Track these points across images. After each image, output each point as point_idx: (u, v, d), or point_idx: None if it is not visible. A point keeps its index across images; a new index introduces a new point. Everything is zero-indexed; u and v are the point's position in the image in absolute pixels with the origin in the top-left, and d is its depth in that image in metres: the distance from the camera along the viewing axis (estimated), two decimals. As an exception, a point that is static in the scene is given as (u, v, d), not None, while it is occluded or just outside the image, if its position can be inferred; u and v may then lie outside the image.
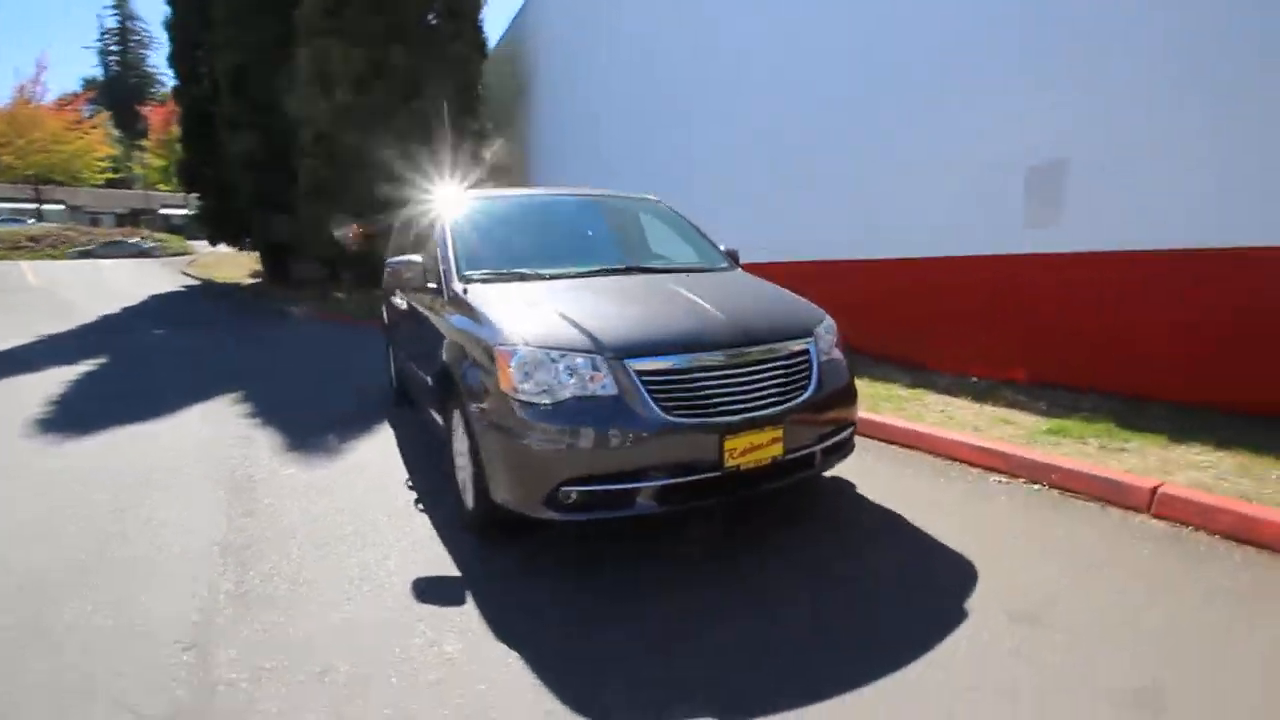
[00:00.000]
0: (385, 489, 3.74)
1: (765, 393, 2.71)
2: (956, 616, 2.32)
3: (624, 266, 3.61)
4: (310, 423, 5.16)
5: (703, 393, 2.61)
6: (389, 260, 3.57)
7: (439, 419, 3.56)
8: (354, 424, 5.12)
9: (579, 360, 2.56)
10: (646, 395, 2.54)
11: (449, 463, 3.36)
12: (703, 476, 2.57)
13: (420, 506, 3.46)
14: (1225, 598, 2.38)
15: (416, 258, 3.57)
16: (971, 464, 3.76)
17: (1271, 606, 2.33)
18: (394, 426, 5.04)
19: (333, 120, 13.19)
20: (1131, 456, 3.54)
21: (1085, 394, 4.70)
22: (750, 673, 2.07)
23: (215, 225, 21.22)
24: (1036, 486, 3.43)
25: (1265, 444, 3.51)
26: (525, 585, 2.65)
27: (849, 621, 2.33)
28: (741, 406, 2.64)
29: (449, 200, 3.94)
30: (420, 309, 3.81)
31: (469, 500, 3.06)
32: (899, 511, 3.19)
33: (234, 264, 25.32)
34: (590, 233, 4.08)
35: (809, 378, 2.85)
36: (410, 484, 3.80)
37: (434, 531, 3.15)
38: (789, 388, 2.78)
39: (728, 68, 8.17)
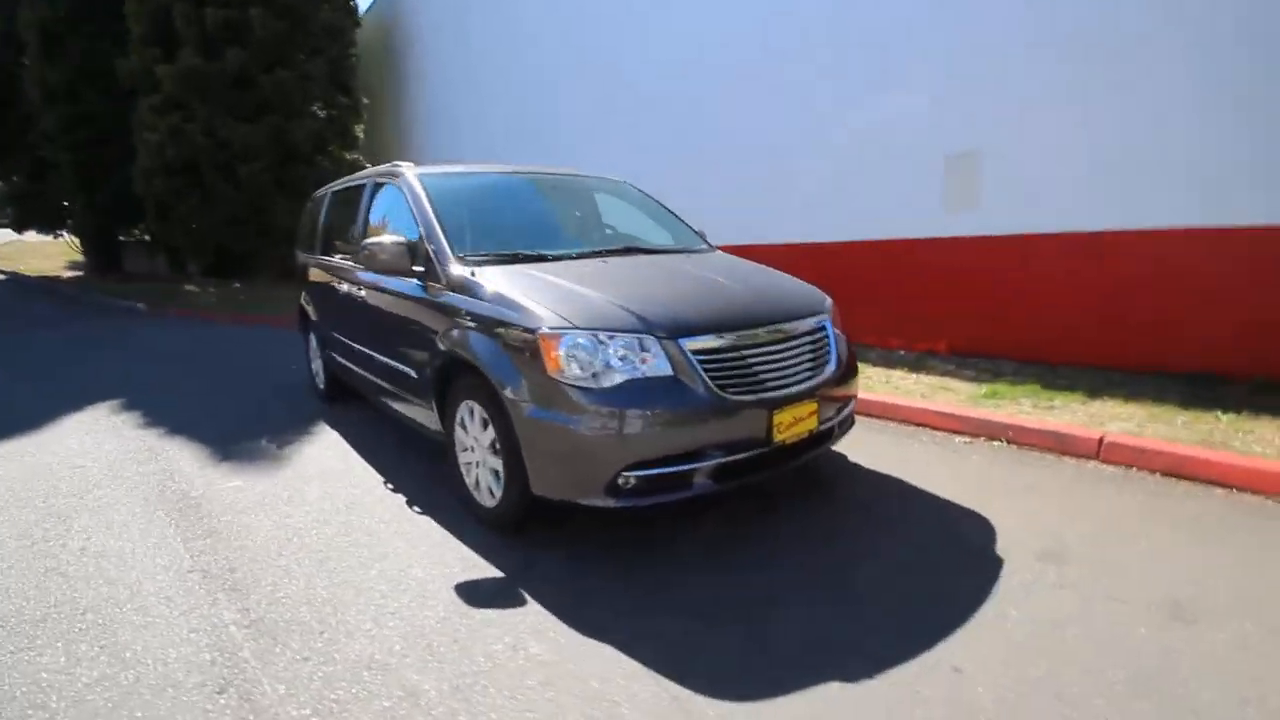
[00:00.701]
0: (363, 494, 3.40)
1: (801, 368, 2.79)
2: (995, 563, 2.55)
3: (623, 248, 3.53)
4: (229, 430, 4.57)
5: (751, 369, 2.63)
6: (367, 242, 3.16)
7: (427, 414, 3.30)
8: (284, 428, 4.60)
9: (631, 341, 2.48)
10: (702, 374, 2.53)
11: (450, 459, 3.14)
12: (754, 453, 2.61)
13: (416, 509, 3.20)
14: (1191, 523, 2.82)
15: (398, 237, 3.24)
16: (935, 428, 4.12)
17: (1223, 525, 2.79)
18: (334, 426, 4.59)
19: (180, 87, 11.57)
20: (1063, 413, 4.05)
21: (1001, 361, 5.31)
22: (849, 626, 2.14)
23: (26, 209, 17.91)
24: (997, 443, 3.84)
25: (1159, 395, 4.17)
26: (574, 575, 2.54)
27: (910, 578, 2.47)
28: (784, 381, 2.70)
29: (408, 178, 3.61)
30: (393, 295, 3.49)
31: (488, 496, 2.88)
32: (896, 475, 3.42)
33: (39, 253, 21.54)
34: (578, 213, 3.94)
35: (829, 353, 2.98)
36: (391, 486, 3.49)
37: (446, 533, 2.92)
38: (817, 363, 2.88)
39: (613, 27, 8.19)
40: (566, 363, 2.47)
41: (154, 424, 4.75)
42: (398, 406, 3.73)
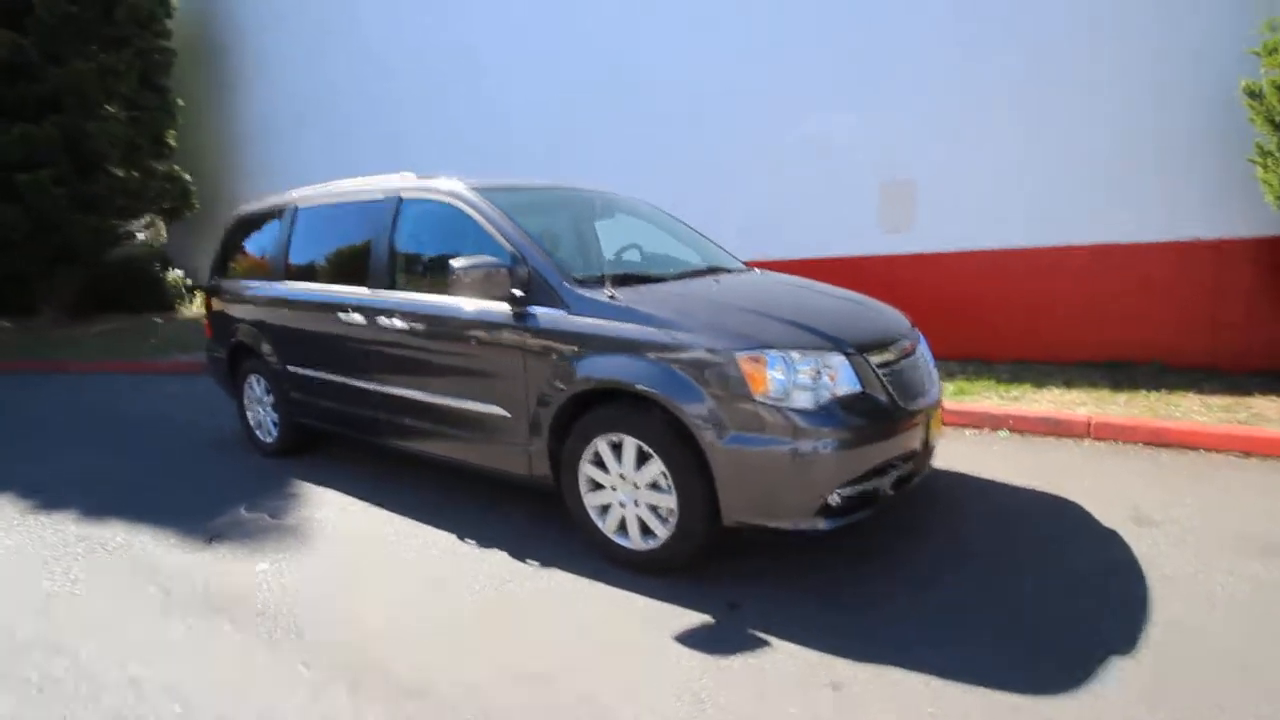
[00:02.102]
0: (444, 559, 2.95)
1: (927, 377, 2.97)
2: (1106, 533, 2.93)
3: (708, 267, 3.48)
4: (190, 503, 3.74)
5: (908, 380, 2.75)
6: (460, 265, 2.65)
7: (519, 456, 2.98)
8: (254, 491, 3.85)
9: (826, 359, 2.47)
10: (887, 386, 2.59)
11: (572, 503, 2.84)
12: (913, 461, 2.73)
13: (533, 563, 2.84)
14: (1210, 478, 3.46)
15: (493, 259, 2.87)
16: (943, 423, 4.59)
17: (1240, 477, 3.46)
18: (317, 480, 3.91)
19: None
20: (1027, 402, 4.73)
21: (946, 361, 6.02)
22: (1069, 613, 2.33)
23: None
24: (1002, 432, 4.38)
25: (1091, 381, 5.03)
26: (783, 603, 2.45)
27: (1029, 557, 2.75)
28: (925, 390, 2.86)
29: (466, 194, 3.22)
30: (472, 325, 3.06)
31: (641, 538, 2.67)
32: (957, 470, 3.74)
33: None
34: (658, 231, 3.79)
35: (931, 362, 3.21)
36: (473, 542, 3.06)
37: (605, 587, 2.64)
38: (931, 372, 3.09)
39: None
40: (774, 384, 2.39)
41: (87, 512, 3.65)
42: (457, 451, 3.29)
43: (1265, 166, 4.04)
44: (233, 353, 4.60)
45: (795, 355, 2.45)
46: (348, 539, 3.19)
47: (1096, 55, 5.15)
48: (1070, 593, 2.49)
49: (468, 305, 3.09)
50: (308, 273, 4.05)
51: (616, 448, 2.70)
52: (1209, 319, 4.93)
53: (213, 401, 6.07)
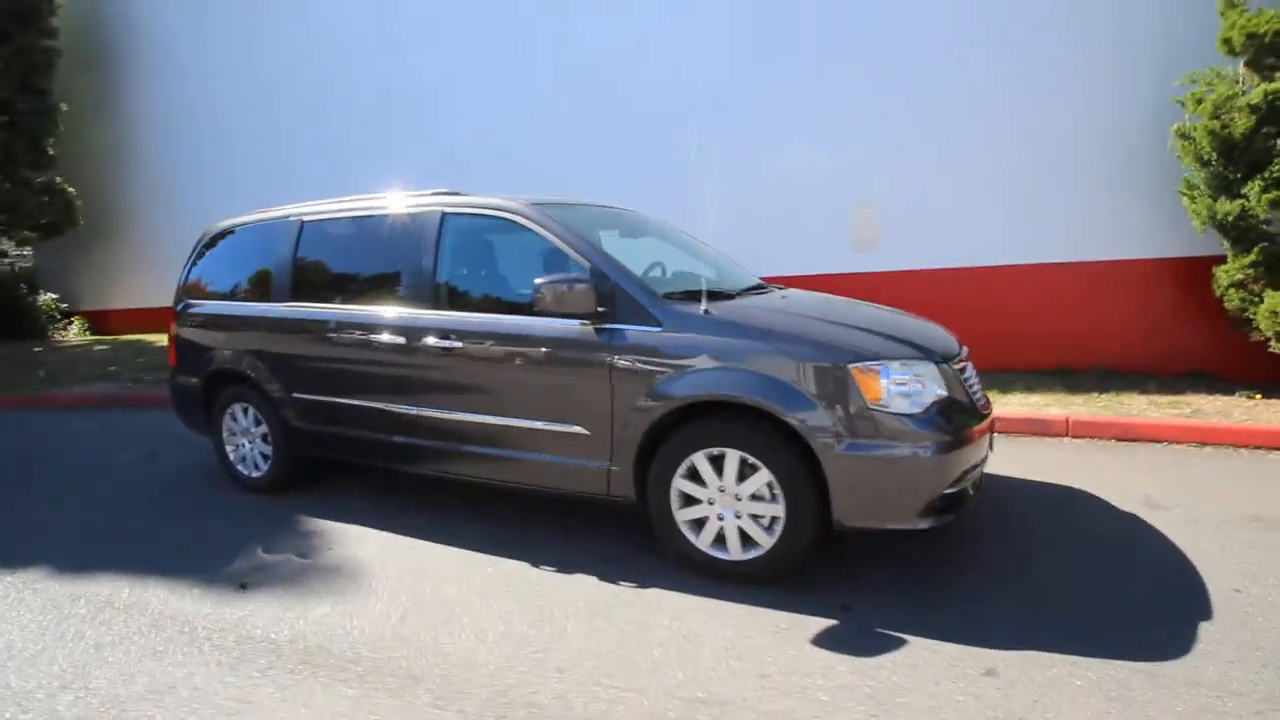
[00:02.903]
0: (530, 587, 2.84)
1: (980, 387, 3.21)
2: (1128, 517, 3.27)
3: (755, 284, 3.57)
4: (198, 548, 3.37)
5: (975, 388, 2.96)
6: (547, 282, 2.60)
7: (595, 475, 2.93)
8: (266, 531, 3.53)
9: (922, 367, 2.62)
10: (969, 392, 2.78)
11: (660, 517, 2.82)
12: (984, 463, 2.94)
13: (629, 584, 2.78)
14: (1187, 466, 3.93)
15: (577, 276, 2.81)
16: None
17: (1198, 464, 3.96)
18: (345, 519, 3.59)
19: None
20: (1000, 405, 5.18)
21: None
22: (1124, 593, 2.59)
23: None
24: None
25: (1047, 386, 5.58)
26: (887, 602, 2.54)
27: (1081, 543, 3.04)
28: (984, 397, 3.09)
29: (529, 211, 3.14)
30: (546, 343, 2.98)
31: (740, 548, 2.70)
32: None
33: None
34: (699, 244, 3.82)
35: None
36: (553, 568, 2.94)
37: (716, 599, 2.62)
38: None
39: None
40: (885, 393, 2.51)
41: (63, 567, 3.17)
42: (521, 474, 3.17)
43: (1192, 198, 4.74)
44: (209, 381, 4.17)
45: (898, 365, 2.58)
46: (407, 575, 2.96)
47: (1049, 106, 5.79)
48: (1129, 571, 2.76)
49: (541, 323, 3.00)
50: (320, 292, 3.76)
51: (714, 461, 2.72)
52: (1143, 328, 5.64)
53: (148, 436, 5.52)
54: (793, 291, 3.68)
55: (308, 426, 3.79)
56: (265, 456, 4.05)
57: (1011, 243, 6.05)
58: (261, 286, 4.00)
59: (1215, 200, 4.49)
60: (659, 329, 2.79)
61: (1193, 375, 5.40)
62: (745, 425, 2.66)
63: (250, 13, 9.75)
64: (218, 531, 3.55)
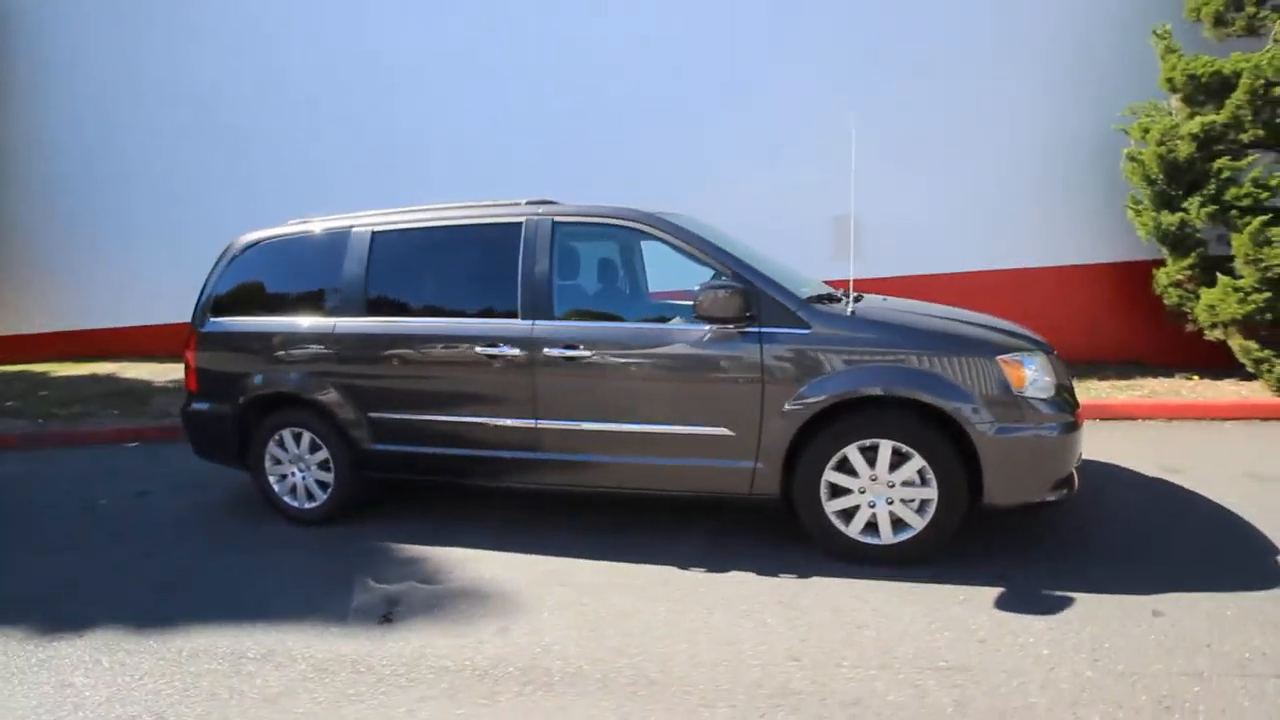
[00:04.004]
0: (707, 584, 2.89)
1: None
2: (1156, 482, 3.81)
3: (828, 289, 3.81)
4: (287, 588, 3.12)
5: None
6: (708, 287, 2.77)
7: (740, 475, 3.02)
8: (379, 565, 3.31)
9: (1043, 358, 2.95)
10: (1070, 381, 3.15)
11: (809, 509, 2.95)
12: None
13: (791, 576, 2.88)
14: (1171, 438, 4.59)
15: (731, 283, 2.90)
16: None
17: (1179, 435, 4.64)
18: (436, 542, 3.42)
19: None
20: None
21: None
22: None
23: None
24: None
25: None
26: (1032, 568, 2.82)
27: (1142, 506, 3.51)
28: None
29: (663, 220, 3.21)
30: (695, 348, 3.03)
31: (890, 533, 2.90)
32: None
33: None
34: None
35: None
36: (699, 568, 2.98)
37: (882, 581, 2.79)
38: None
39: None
40: (1028, 381, 2.81)
41: (150, 624, 2.81)
42: (655, 480, 3.22)
43: (1138, 211, 5.57)
44: (249, 407, 3.80)
45: (1029, 356, 2.91)
46: (557, 589, 2.89)
47: (1015, 130, 6.54)
48: (1191, 520, 3.27)
49: (683, 329, 3.07)
50: (402, 306, 3.56)
51: (865, 451, 2.91)
52: (1088, 323, 6.50)
53: (118, 475, 5.03)
54: (870, 295, 3.95)
55: (386, 448, 3.57)
56: (322, 485, 3.75)
57: (977, 251, 6.77)
58: (320, 301, 3.71)
59: (1159, 213, 5.33)
60: (808, 331, 2.95)
61: (1133, 363, 6.30)
62: (897, 416, 2.87)
63: (137, 19, 8.91)
64: (298, 567, 3.26)
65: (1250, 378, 5.24)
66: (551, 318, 3.26)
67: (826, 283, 4.09)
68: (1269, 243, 4.67)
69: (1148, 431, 4.86)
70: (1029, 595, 2.65)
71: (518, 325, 3.28)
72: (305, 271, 3.83)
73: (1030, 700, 2.05)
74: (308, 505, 3.80)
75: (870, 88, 6.83)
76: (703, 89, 7.29)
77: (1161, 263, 5.62)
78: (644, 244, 4.14)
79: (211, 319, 3.96)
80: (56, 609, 2.97)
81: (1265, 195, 4.84)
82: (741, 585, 2.86)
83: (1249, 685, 2.06)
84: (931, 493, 2.84)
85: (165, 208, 9.25)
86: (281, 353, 3.74)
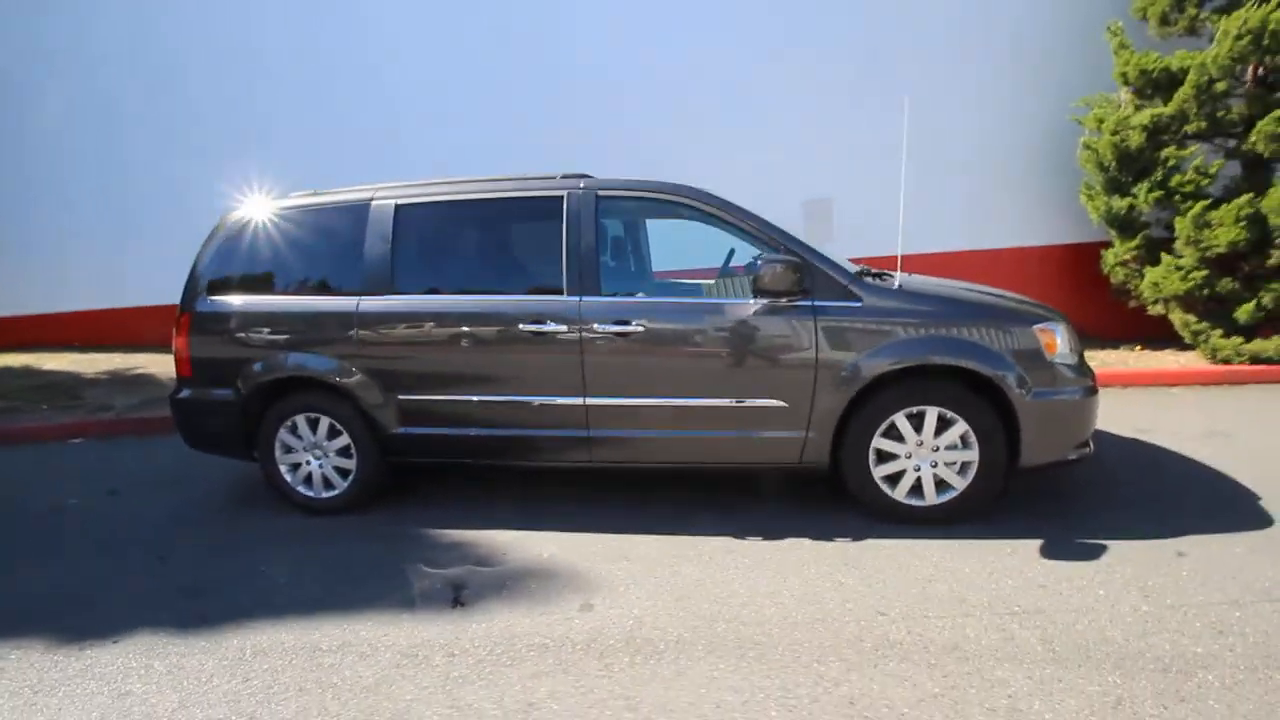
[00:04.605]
0: (773, 551, 2.98)
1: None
2: (1133, 441, 4.19)
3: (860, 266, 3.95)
4: (334, 579, 3.00)
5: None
6: (769, 261, 2.82)
7: (791, 444, 3.12)
8: (424, 551, 3.21)
9: (1067, 326, 3.18)
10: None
11: (857, 474, 3.10)
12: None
13: (846, 539, 3.01)
14: (1135, 401, 5.04)
15: (787, 258, 2.96)
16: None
17: (1141, 399, 5.10)
18: (470, 525, 3.36)
19: None
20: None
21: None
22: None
23: None
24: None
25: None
26: (1060, 521, 3.06)
27: (1132, 463, 3.88)
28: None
29: (708, 196, 3.23)
30: (752, 321, 3.09)
31: (934, 494, 3.08)
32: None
33: None
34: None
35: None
36: (755, 536, 3.07)
37: (934, 539, 2.96)
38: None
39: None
40: (1059, 348, 3.03)
41: (199, 624, 2.62)
42: (703, 453, 3.27)
43: (1090, 196, 6.04)
44: (256, 393, 3.56)
45: (1056, 325, 3.13)
46: (622, 563, 2.90)
47: (984, 127, 6.90)
48: (1177, 473, 3.63)
49: (739, 303, 3.11)
50: (433, 282, 3.42)
51: (914, 419, 3.06)
52: (1043, 300, 6.99)
53: (73, 476, 4.64)
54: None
55: (415, 431, 3.44)
56: (342, 472, 3.58)
57: (947, 233, 7.15)
58: (338, 278, 3.51)
59: (1110, 198, 5.81)
60: (859, 303, 3.06)
61: (1080, 337, 6.84)
62: (942, 384, 3.04)
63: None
64: (339, 558, 3.11)
65: (1187, 348, 5.83)
66: (599, 293, 3.23)
67: (851, 260, 4.22)
68: (1208, 225, 5.21)
69: (1107, 398, 5.29)
70: (1067, 545, 2.88)
71: (565, 301, 3.23)
72: (317, 247, 3.60)
73: (1107, 634, 2.25)
74: (325, 494, 3.62)
75: (846, 82, 7.05)
76: (685, 77, 7.29)
77: (1108, 244, 6.14)
78: (651, 221, 4.22)
79: (208, 299, 3.67)
80: (72, 618, 2.71)
81: (1206, 182, 5.38)
82: (803, 550, 2.96)
83: (1276, 611, 2.35)
84: (973, 455, 3.04)
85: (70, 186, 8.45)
86: (295, 333, 3.52)
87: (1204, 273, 5.34)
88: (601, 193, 3.30)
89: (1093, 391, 3.13)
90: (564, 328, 3.21)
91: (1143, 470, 3.73)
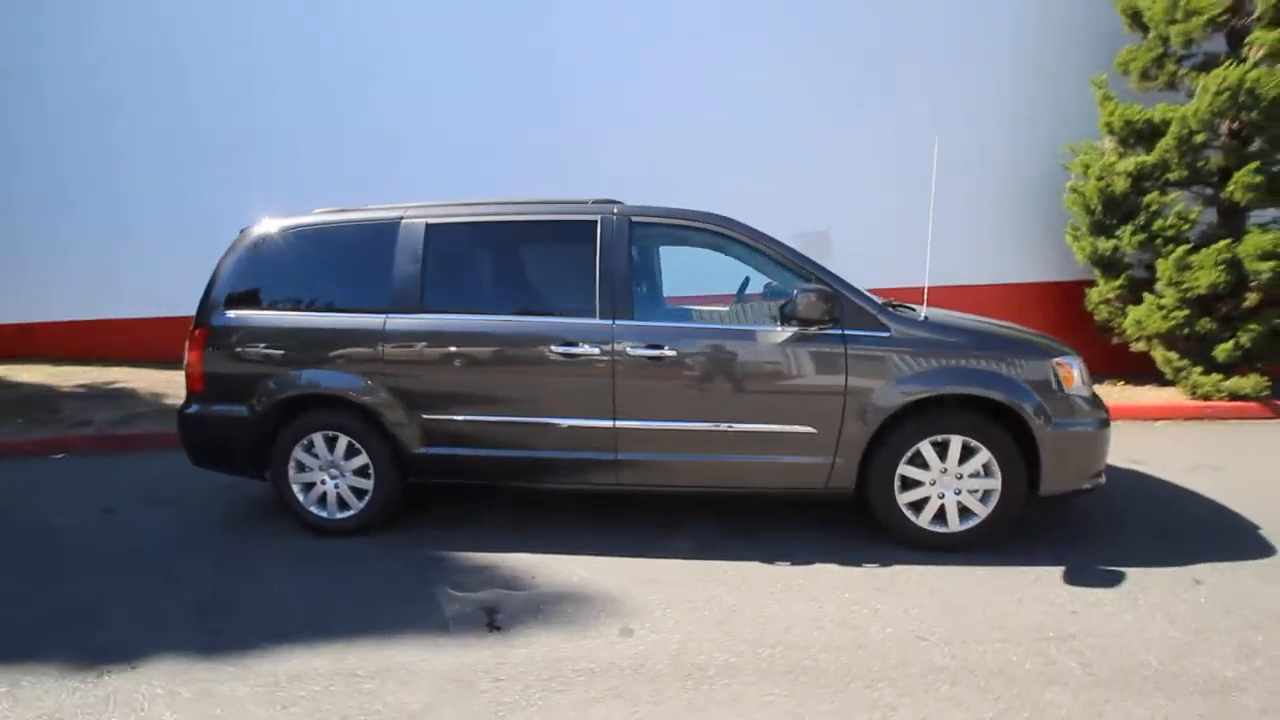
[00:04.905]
0: (800, 577, 3.01)
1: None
2: (1131, 472, 4.34)
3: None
4: (358, 604, 2.95)
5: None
6: (805, 291, 2.91)
7: (818, 470, 3.17)
8: (448, 574, 3.16)
9: (1080, 361, 3.30)
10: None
11: (884, 499, 3.16)
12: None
13: (874, 565, 3.05)
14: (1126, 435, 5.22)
15: (820, 287, 3.03)
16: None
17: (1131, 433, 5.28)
18: (489, 549, 3.32)
19: None
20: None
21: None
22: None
23: None
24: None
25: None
26: (1080, 547, 3.16)
27: (1129, 497, 4.01)
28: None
29: (738, 224, 3.31)
30: (786, 349, 3.15)
31: (957, 521, 3.15)
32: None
33: None
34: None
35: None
36: (783, 561, 3.09)
37: (960, 566, 3.02)
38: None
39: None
40: (1076, 381, 3.15)
41: (223, 649, 2.55)
42: (729, 477, 3.30)
43: (1076, 238, 6.32)
44: (273, 410, 3.49)
45: (1072, 359, 3.25)
46: (655, 587, 2.88)
47: (969, 165, 7.16)
48: (1177, 505, 3.76)
49: (770, 330, 3.17)
50: (462, 303, 3.41)
51: (939, 447, 3.14)
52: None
53: (55, 492, 4.47)
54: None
55: (438, 452, 3.40)
56: (358, 492, 3.51)
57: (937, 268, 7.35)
58: (365, 296, 3.48)
59: (1095, 239, 6.09)
60: (888, 333, 3.15)
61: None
62: (966, 413, 3.13)
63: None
64: (356, 580, 3.04)
65: (1167, 384, 6.08)
66: (631, 317, 3.26)
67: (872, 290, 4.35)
68: (1188, 268, 5.48)
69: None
70: (1089, 572, 2.97)
71: (598, 324, 3.25)
72: (343, 264, 3.59)
73: (1142, 658, 2.32)
74: (339, 515, 3.54)
75: (851, 122, 7.29)
76: (677, 103, 7.46)
77: (1092, 283, 6.41)
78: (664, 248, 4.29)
79: (226, 313, 3.60)
80: (84, 640, 2.60)
81: (1186, 227, 5.68)
82: (833, 575, 2.99)
83: (1297, 634, 2.46)
84: (995, 483, 3.12)
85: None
86: (317, 350, 3.47)
87: (1185, 313, 5.62)
88: (635, 219, 3.36)
89: (1106, 424, 3.25)
90: (597, 350, 3.23)
91: (1143, 501, 3.86)
